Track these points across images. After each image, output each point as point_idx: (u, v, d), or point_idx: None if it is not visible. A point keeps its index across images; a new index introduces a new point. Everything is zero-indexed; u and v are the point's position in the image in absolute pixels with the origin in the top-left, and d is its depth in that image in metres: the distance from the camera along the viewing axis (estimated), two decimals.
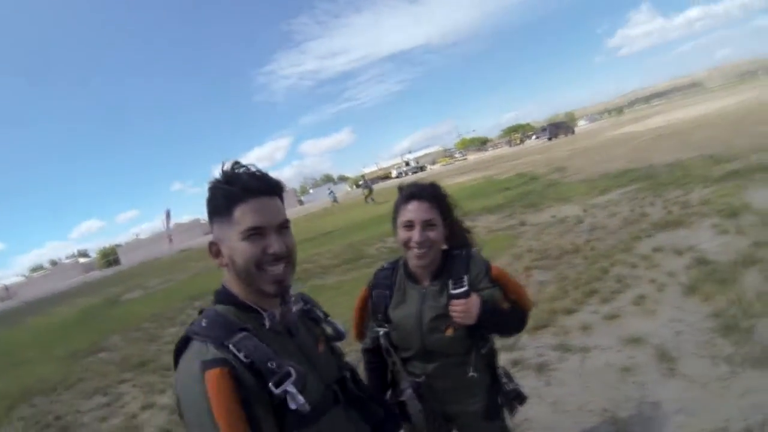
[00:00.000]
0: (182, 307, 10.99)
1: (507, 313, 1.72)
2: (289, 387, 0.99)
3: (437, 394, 1.81)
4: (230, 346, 1.00)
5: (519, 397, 1.85)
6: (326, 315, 1.40)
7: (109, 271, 58.85)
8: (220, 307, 1.13)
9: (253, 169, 1.14)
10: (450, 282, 1.69)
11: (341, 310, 6.74)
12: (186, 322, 8.98)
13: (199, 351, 1.01)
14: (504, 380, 1.85)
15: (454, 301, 1.63)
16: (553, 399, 3.24)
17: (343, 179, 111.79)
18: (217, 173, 1.13)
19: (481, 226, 9.97)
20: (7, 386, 8.92)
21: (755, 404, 2.66)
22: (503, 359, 3.97)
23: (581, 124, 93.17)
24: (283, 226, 1.15)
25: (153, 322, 10.31)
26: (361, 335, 1.97)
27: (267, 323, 1.13)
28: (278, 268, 1.11)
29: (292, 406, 0.99)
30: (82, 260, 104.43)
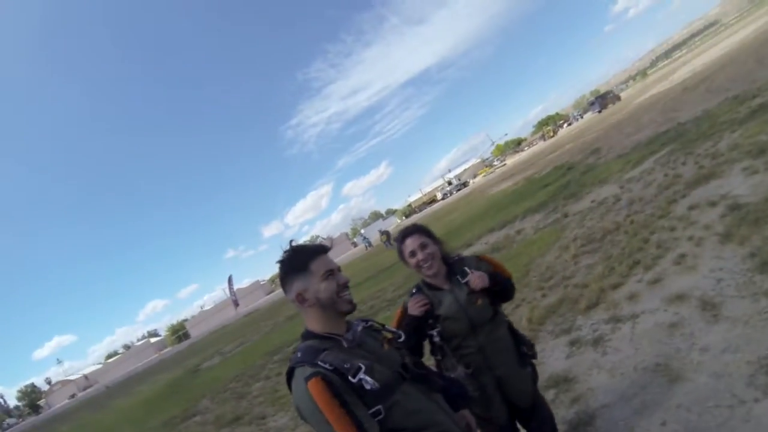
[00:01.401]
0: (263, 363, 11.42)
1: (501, 277, 2.42)
2: (361, 375, 1.46)
3: (489, 361, 2.35)
4: (319, 362, 1.47)
5: (531, 345, 2.51)
6: (383, 325, 1.88)
7: (182, 346, 60.63)
8: (307, 342, 1.62)
9: (304, 242, 1.75)
10: (458, 277, 2.36)
11: None
12: (269, 376, 9.55)
13: (301, 372, 1.49)
14: (520, 334, 2.51)
15: (471, 274, 2.32)
16: (610, 366, 3.48)
17: (391, 213, 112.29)
18: (282, 249, 1.71)
19: (528, 227, 10.23)
20: None
21: None
22: (562, 341, 4.32)
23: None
24: (339, 269, 1.71)
25: (238, 381, 10.78)
26: None
27: (345, 343, 1.61)
28: (349, 292, 1.69)
29: (367, 387, 1.45)
30: (153, 340, 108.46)
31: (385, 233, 32.24)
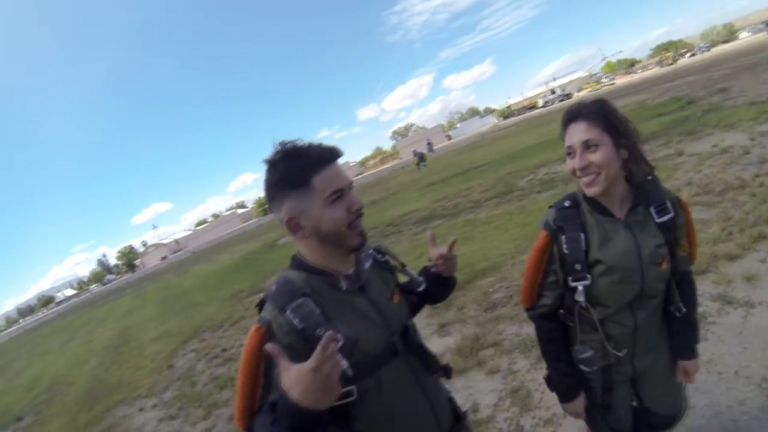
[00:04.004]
0: None
1: (696, 299, 1.73)
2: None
3: (636, 348, 1.65)
4: (288, 311, 1.10)
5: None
6: (403, 265, 1.46)
7: (266, 219, 64.83)
8: (291, 273, 1.23)
9: (304, 142, 1.20)
10: (652, 209, 1.52)
11: (493, 243, 6.82)
12: None
13: (265, 309, 1.17)
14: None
15: (690, 366, 1.71)
16: (708, 357, 2.91)
17: (489, 111, 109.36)
18: (275, 152, 1.19)
19: None
20: (180, 324, 10.53)
21: None
22: None
23: (743, 37, 79.47)
24: (351, 186, 1.23)
25: None
26: (533, 297, 1.72)
27: (344, 286, 1.22)
28: (361, 222, 1.24)
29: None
30: (240, 211, 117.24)
31: (419, 154, 31.81)
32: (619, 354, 1.63)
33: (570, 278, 1.57)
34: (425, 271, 1.56)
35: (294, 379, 0.89)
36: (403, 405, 1.25)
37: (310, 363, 0.88)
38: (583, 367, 1.69)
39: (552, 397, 3.07)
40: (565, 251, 1.55)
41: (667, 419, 1.87)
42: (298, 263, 1.26)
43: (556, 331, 1.72)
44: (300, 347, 1.06)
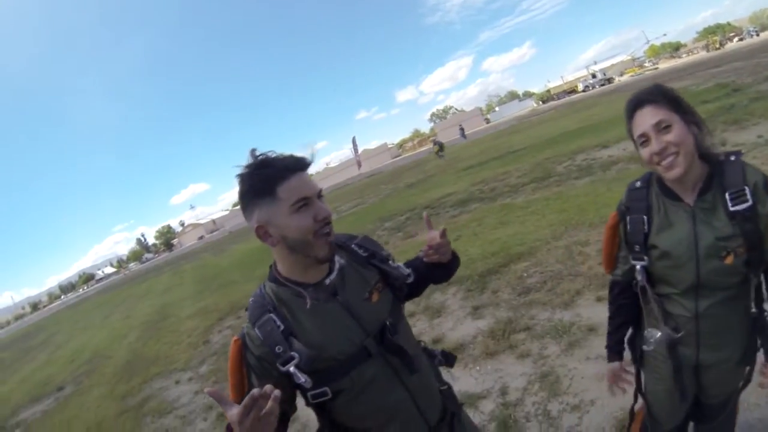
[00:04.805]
0: (373, 228, 11.84)
1: None
2: (291, 368, 1.17)
3: (701, 339, 1.59)
4: (256, 327, 1.22)
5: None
6: (388, 258, 1.46)
7: None
8: (267, 285, 1.32)
9: (276, 153, 1.23)
10: (727, 195, 1.41)
11: (529, 228, 6.79)
12: (380, 241, 9.79)
13: (246, 317, 1.29)
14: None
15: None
16: None
17: (528, 95, 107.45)
18: (246, 162, 1.23)
19: None
20: (217, 302, 10.81)
21: None
22: None
23: None
24: (319, 195, 1.26)
25: None
26: (611, 265, 1.78)
27: (308, 302, 1.25)
28: (329, 231, 1.24)
29: (298, 381, 1.19)
30: None
31: (439, 144, 31.93)
32: (675, 335, 1.59)
33: (631, 257, 1.62)
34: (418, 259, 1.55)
35: (231, 417, 0.98)
36: (383, 401, 1.29)
37: (235, 414, 0.97)
38: (645, 347, 1.70)
39: (580, 384, 3.09)
40: (629, 231, 1.60)
41: (713, 415, 1.84)
42: (271, 275, 1.33)
43: (623, 298, 1.79)
44: (269, 359, 1.20)
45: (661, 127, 1.39)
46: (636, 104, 1.46)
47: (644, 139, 1.44)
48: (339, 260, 1.35)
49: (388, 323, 1.33)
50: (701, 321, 1.55)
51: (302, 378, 1.18)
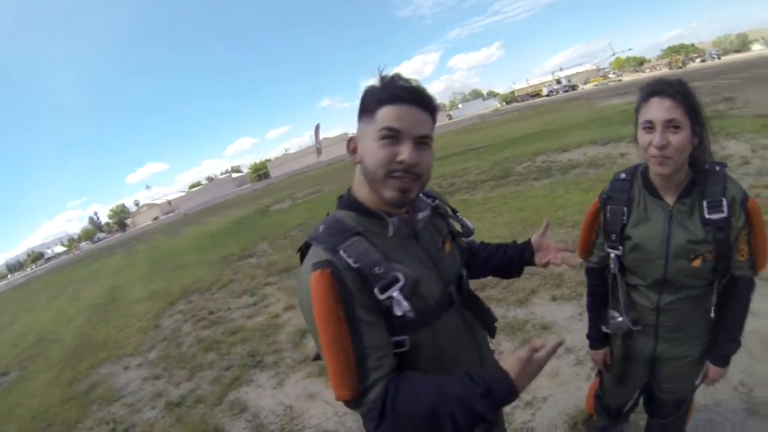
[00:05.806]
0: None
1: (744, 309, 1.62)
2: (395, 293, 1.00)
3: (660, 332, 1.71)
4: (341, 251, 1.03)
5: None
6: (455, 211, 1.43)
7: (260, 185, 64.49)
8: (341, 213, 1.18)
9: (414, 83, 1.12)
10: (705, 203, 1.49)
11: (486, 225, 6.86)
12: None
13: (313, 254, 1.08)
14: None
15: (713, 371, 1.68)
16: None
17: (492, 95, 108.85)
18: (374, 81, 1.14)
19: (633, 153, 8.84)
20: (169, 285, 10.55)
21: None
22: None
23: (756, 48, 79.50)
24: (423, 141, 1.12)
25: (300, 230, 11.21)
26: (587, 251, 1.88)
27: (390, 230, 1.15)
28: (404, 180, 1.09)
29: (398, 312, 0.99)
30: (235, 175, 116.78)
31: None
32: (633, 328, 1.73)
33: (606, 245, 1.71)
34: (519, 248, 1.56)
35: (531, 372, 0.97)
36: (453, 354, 1.20)
37: (541, 359, 0.99)
38: (604, 329, 1.85)
39: (533, 381, 3.12)
40: (608, 220, 1.68)
41: (665, 412, 1.96)
42: (348, 201, 1.21)
43: (597, 286, 1.89)
44: (360, 288, 1.02)
45: (671, 126, 1.42)
46: (657, 91, 1.46)
47: (649, 126, 1.46)
48: (423, 209, 1.29)
49: (463, 273, 1.30)
50: (662, 315, 1.67)
51: (404, 307, 0.99)
